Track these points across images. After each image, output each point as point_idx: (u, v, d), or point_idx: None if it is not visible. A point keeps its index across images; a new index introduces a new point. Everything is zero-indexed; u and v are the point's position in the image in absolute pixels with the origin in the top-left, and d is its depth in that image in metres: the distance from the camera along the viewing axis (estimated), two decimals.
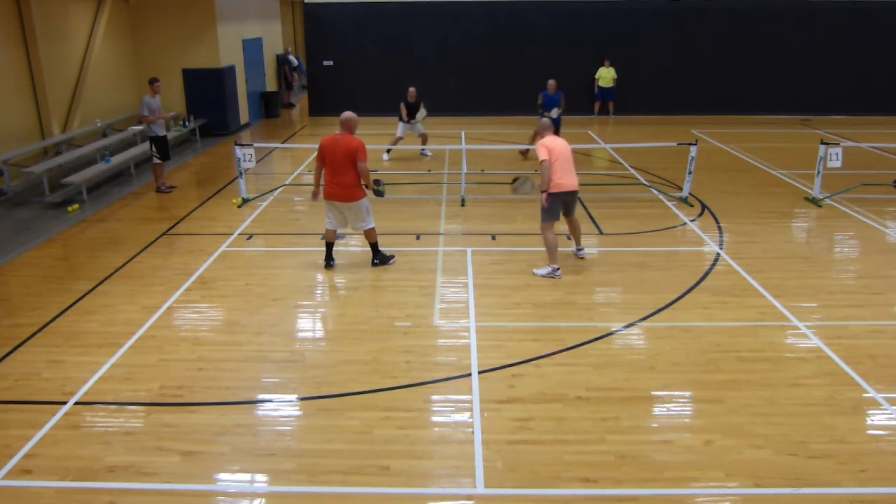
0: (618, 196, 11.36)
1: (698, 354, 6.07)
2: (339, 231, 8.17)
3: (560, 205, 7.89)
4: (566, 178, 7.73)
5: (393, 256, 8.26)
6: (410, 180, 12.24)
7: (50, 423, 5.08)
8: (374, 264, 8.10)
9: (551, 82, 13.50)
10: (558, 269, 7.82)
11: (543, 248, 8.15)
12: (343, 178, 7.62)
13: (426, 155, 14.17)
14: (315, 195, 7.96)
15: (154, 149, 11.36)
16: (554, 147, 7.74)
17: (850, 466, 4.59)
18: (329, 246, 8.10)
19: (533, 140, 8.14)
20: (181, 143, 15.57)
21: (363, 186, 7.80)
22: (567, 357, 6.04)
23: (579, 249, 8.37)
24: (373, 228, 8.01)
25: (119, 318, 6.82)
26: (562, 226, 8.29)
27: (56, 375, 5.75)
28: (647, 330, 6.59)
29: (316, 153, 7.88)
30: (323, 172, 7.83)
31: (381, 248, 8.19)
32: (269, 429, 5.10)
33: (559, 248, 7.98)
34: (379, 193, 8.13)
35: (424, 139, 14.05)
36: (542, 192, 7.72)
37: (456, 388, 5.58)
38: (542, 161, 7.66)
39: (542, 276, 7.82)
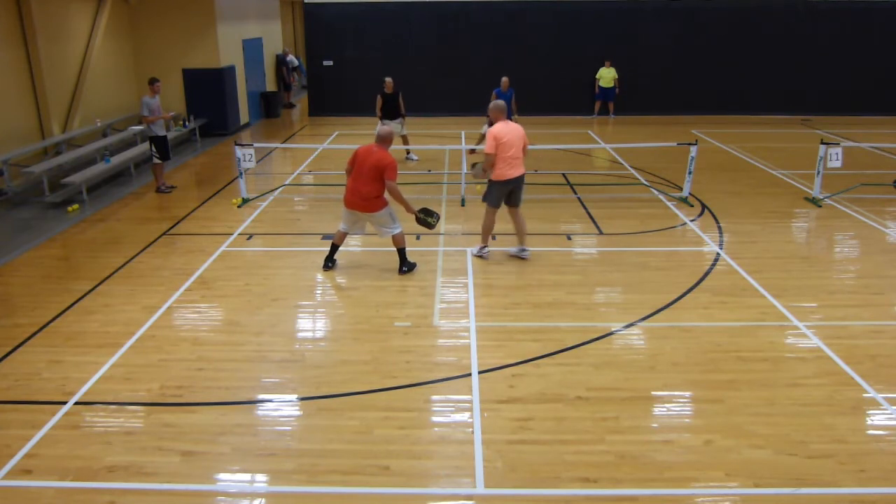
0: (618, 196, 11.36)
1: (698, 354, 6.07)
2: (350, 234, 8.10)
3: (504, 192, 8.03)
4: (512, 170, 7.85)
5: (416, 264, 8.07)
6: (410, 180, 12.23)
7: (50, 423, 5.08)
8: (401, 272, 7.87)
9: (504, 79, 13.46)
10: (486, 248, 8.30)
11: (542, 248, 8.24)
12: (365, 188, 7.50)
13: (412, 159, 13.79)
14: None
15: (154, 149, 11.36)
16: (504, 137, 7.70)
17: (850, 466, 4.59)
18: (334, 248, 8.07)
19: (492, 121, 8.08)
20: (181, 143, 15.57)
21: (413, 216, 7.86)
22: (567, 357, 6.04)
23: (522, 250, 8.25)
24: (400, 233, 7.83)
25: (119, 318, 6.82)
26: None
27: (56, 375, 5.75)
28: (647, 330, 6.59)
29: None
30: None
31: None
32: (269, 429, 5.10)
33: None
34: (425, 224, 7.98)
35: (406, 140, 13.57)
36: (491, 179, 7.98)
37: (456, 388, 5.58)
38: (487, 154, 7.77)
39: (475, 255, 8.31)
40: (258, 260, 8.50)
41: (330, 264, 8.03)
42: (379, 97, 13.10)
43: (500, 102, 7.97)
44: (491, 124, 7.98)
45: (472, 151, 13.54)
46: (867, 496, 4.33)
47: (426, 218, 7.98)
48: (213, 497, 4.38)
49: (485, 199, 8.13)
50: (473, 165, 8.74)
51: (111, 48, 15.00)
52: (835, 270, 8.17)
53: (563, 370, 5.82)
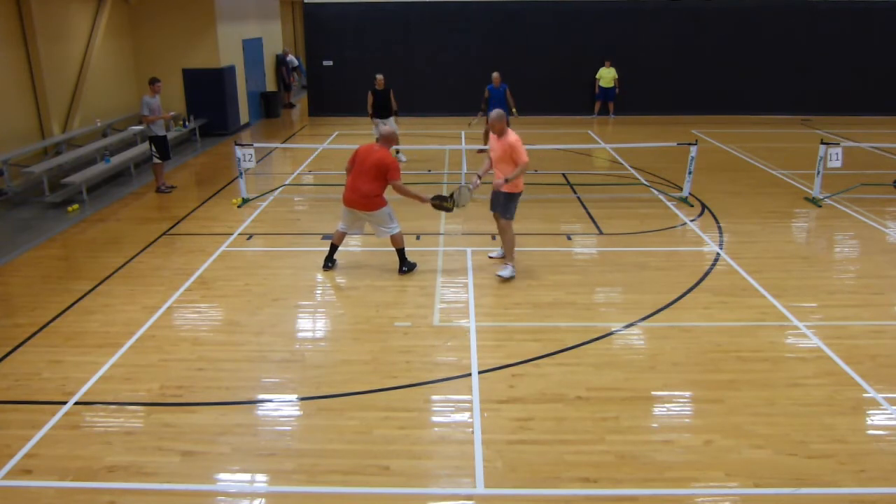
0: (618, 196, 11.36)
1: (698, 354, 6.07)
2: (349, 234, 8.08)
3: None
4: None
5: (416, 264, 8.05)
6: (410, 180, 12.22)
7: (50, 423, 5.08)
8: (401, 272, 7.86)
9: (495, 74, 13.41)
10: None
11: (542, 248, 8.20)
12: (364, 186, 7.47)
13: (400, 160, 13.39)
14: None
15: (153, 148, 11.36)
16: None
17: (850, 466, 4.59)
18: (333, 248, 8.06)
19: (496, 133, 7.45)
20: (181, 143, 15.57)
21: (429, 201, 7.80)
22: (567, 357, 6.04)
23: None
24: (399, 233, 7.79)
25: (119, 318, 6.82)
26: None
27: (56, 375, 5.75)
28: (647, 330, 6.59)
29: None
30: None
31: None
32: (269, 429, 5.10)
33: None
34: (443, 208, 7.89)
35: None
36: (509, 191, 7.48)
37: (456, 388, 5.58)
38: (526, 162, 7.32)
39: (508, 277, 7.65)
40: (258, 260, 8.50)
41: (329, 264, 8.02)
42: (370, 94, 12.88)
43: (500, 111, 7.45)
44: (490, 131, 7.62)
45: (481, 151, 13.56)
46: (867, 496, 4.33)
47: (442, 203, 7.90)
48: (213, 497, 4.38)
49: (509, 215, 7.63)
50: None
51: (111, 48, 15.00)
52: (835, 270, 8.17)
53: (563, 370, 5.81)
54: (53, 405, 5.31)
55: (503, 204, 7.61)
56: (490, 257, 8.21)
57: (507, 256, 7.80)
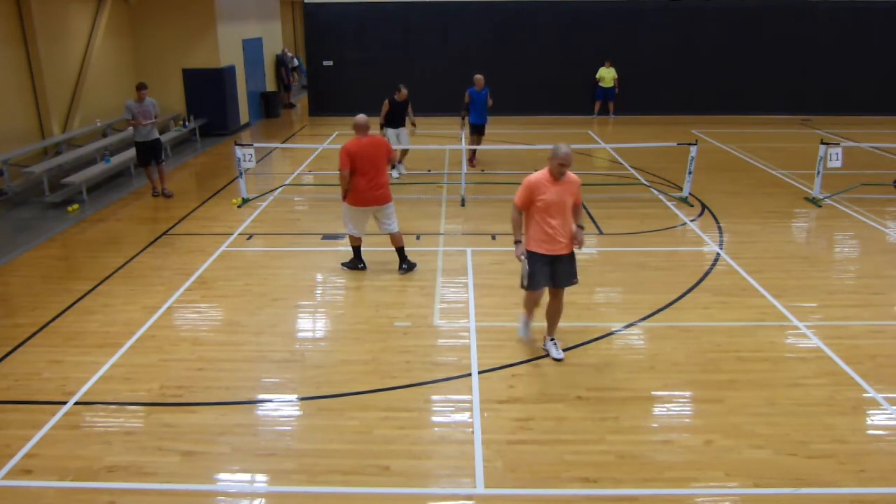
0: (618, 196, 11.36)
1: (698, 354, 6.07)
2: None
3: None
4: None
5: (416, 264, 8.04)
6: (410, 180, 12.24)
7: (50, 423, 5.08)
8: (401, 270, 7.88)
9: (479, 77, 12.76)
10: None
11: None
12: (382, 178, 7.54)
13: (395, 175, 12.37)
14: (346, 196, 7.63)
15: (137, 153, 11.28)
16: None
17: (850, 466, 4.59)
18: (357, 250, 7.97)
19: (562, 173, 5.50)
20: (181, 143, 15.58)
21: None
22: (567, 357, 6.04)
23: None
24: (398, 230, 7.85)
25: (119, 318, 6.82)
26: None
27: (56, 375, 5.75)
28: (647, 330, 6.59)
29: (340, 161, 7.44)
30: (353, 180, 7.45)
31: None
32: (269, 429, 5.10)
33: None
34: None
35: (404, 153, 12.55)
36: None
37: (456, 388, 5.58)
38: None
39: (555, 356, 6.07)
40: (258, 260, 8.50)
41: (362, 265, 7.97)
42: (387, 103, 11.93)
43: (569, 147, 5.50)
44: (551, 173, 5.55)
45: (472, 156, 13.45)
46: (867, 496, 4.34)
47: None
48: (213, 497, 4.38)
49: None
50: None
51: (111, 48, 15.00)
52: (835, 270, 8.16)
53: (563, 370, 5.81)
54: (53, 405, 5.31)
55: (573, 266, 5.85)
56: (557, 359, 5.99)
57: (554, 327, 6.13)
